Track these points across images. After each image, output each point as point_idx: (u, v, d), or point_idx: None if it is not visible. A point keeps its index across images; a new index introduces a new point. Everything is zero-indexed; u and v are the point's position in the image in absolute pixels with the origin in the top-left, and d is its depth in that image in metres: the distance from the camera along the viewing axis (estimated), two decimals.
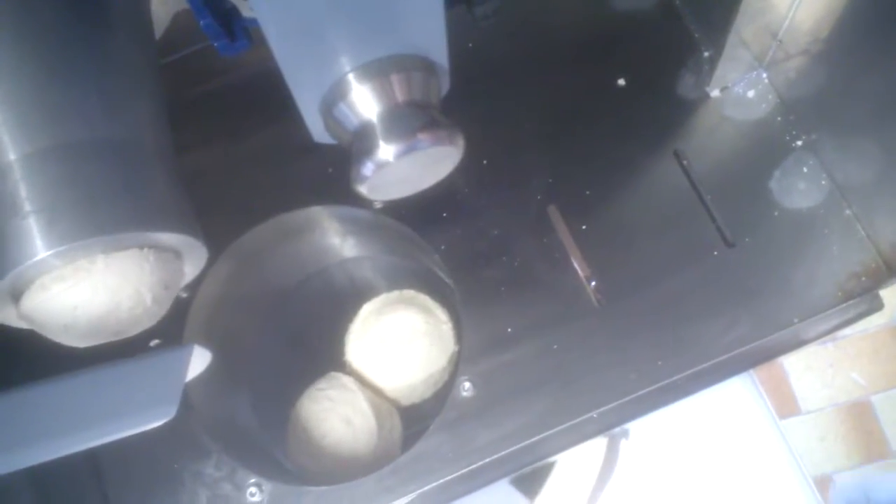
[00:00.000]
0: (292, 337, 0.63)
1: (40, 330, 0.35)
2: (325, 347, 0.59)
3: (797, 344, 0.49)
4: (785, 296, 0.49)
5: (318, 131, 0.37)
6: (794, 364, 1.34)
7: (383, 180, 0.36)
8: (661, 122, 0.53)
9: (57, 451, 0.34)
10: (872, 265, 0.49)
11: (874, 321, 1.35)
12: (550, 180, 0.52)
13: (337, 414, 0.53)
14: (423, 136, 0.34)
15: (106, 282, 0.34)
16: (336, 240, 0.60)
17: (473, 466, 0.47)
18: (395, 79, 0.34)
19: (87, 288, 0.34)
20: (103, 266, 0.34)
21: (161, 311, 0.38)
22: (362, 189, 0.36)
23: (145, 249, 0.36)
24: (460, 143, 0.36)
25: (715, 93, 0.53)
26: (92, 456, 0.49)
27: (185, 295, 0.51)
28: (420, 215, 0.52)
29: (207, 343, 0.41)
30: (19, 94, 0.34)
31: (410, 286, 0.59)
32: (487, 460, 0.47)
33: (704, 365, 0.48)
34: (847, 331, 1.35)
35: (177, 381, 0.37)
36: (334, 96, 0.35)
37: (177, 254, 0.40)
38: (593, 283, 0.50)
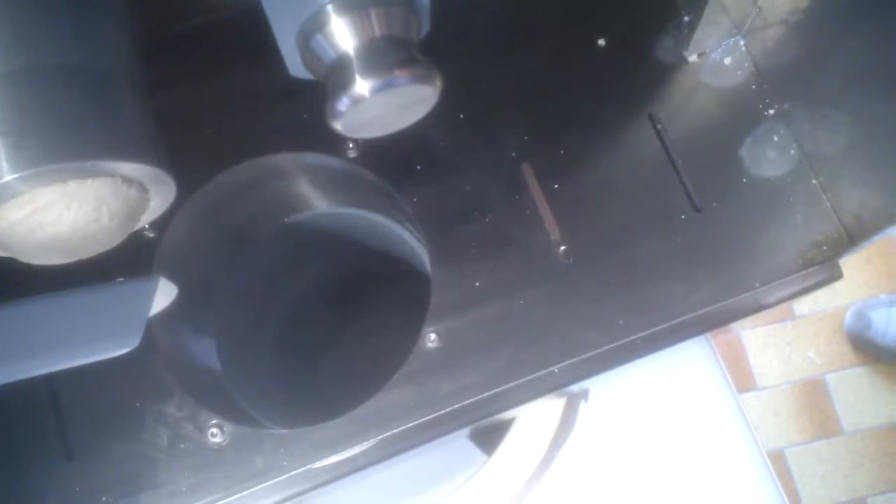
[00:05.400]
0: (258, 287, 0.63)
1: None
2: (291, 299, 0.59)
3: (757, 308, 0.50)
4: (748, 261, 0.50)
5: (295, 64, 0.37)
6: (753, 341, 1.38)
7: (358, 117, 0.35)
8: (637, 85, 0.53)
9: (16, 374, 0.33)
10: (834, 235, 0.50)
11: (833, 302, 1.39)
12: (525, 137, 0.52)
13: None
14: (400, 73, 0.34)
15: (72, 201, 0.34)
16: (308, 190, 0.59)
17: (434, 415, 0.48)
18: (375, 13, 0.34)
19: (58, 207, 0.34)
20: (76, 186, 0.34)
21: (121, 233, 0.37)
22: (337, 125, 0.36)
23: (118, 178, 0.35)
24: (438, 83, 0.36)
25: (692, 58, 0.54)
26: (52, 392, 0.48)
27: (152, 235, 0.50)
28: (393, 167, 0.52)
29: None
30: None
31: (381, 239, 0.59)
32: (448, 410, 0.48)
33: (665, 325, 0.49)
34: (806, 310, 1.39)
35: (141, 311, 0.37)
36: (312, 27, 0.34)
37: (143, 187, 0.39)
38: (562, 246, 0.50)
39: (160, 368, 0.49)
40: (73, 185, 0.34)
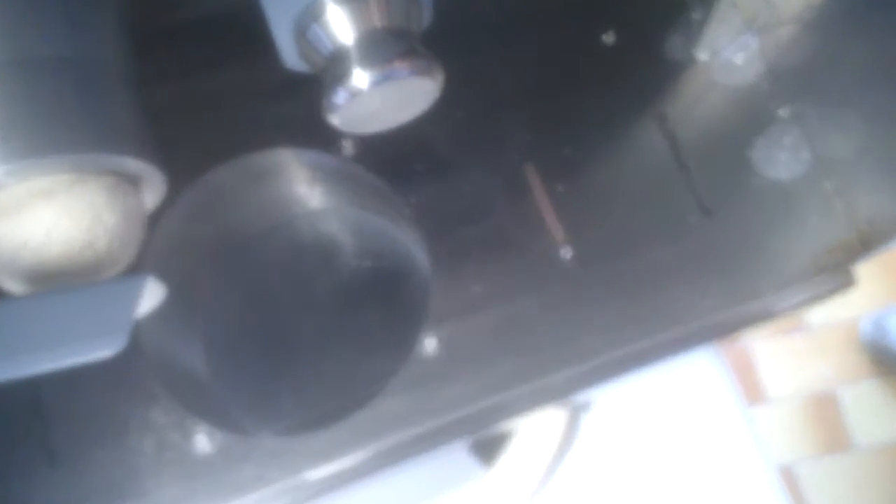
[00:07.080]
0: (251, 290, 0.61)
1: None
2: (284, 303, 0.58)
3: (767, 316, 0.49)
4: (759, 266, 0.49)
5: (291, 56, 0.36)
6: (763, 352, 1.37)
7: (356, 110, 0.35)
8: (646, 83, 0.52)
9: None
10: (848, 240, 0.49)
11: (845, 313, 1.37)
12: (529, 137, 0.51)
13: None
14: (400, 65, 0.33)
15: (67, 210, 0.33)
16: (303, 188, 0.58)
17: (432, 425, 0.46)
18: (375, 2, 0.33)
19: (46, 219, 0.33)
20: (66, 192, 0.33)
21: (124, 256, 0.37)
22: (334, 119, 0.35)
23: (110, 179, 0.35)
24: (439, 76, 0.35)
25: (703, 56, 0.53)
26: (35, 397, 0.47)
27: None
28: (392, 166, 0.51)
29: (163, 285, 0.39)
30: None
31: (378, 241, 0.58)
32: (447, 419, 0.46)
33: (674, 332, 0.48)
34: (817, 321, 1.38)
35: (128, 311, 0.36)
36: (309, 17, 0.33)
37: (136, 185, 0.38)
38: (566, 248, 0.49)
39: (146, 372, 0.48)
40: (62, 198, 0.33)
